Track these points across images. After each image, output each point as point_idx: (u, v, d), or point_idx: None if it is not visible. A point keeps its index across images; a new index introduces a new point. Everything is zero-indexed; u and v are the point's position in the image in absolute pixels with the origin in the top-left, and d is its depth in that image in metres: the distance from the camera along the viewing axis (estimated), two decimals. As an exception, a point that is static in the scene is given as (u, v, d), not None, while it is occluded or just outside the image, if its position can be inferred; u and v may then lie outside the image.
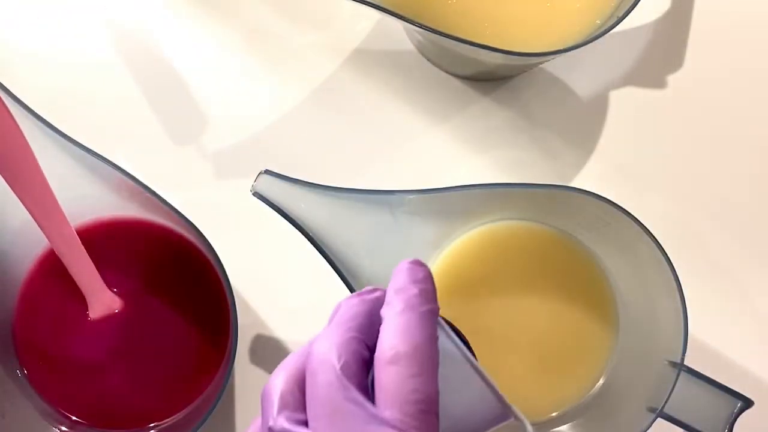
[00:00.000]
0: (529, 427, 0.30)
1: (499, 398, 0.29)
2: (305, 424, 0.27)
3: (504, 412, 0.29)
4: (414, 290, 0.28)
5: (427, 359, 0.27)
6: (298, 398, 0.27)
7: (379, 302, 0.29)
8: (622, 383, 0.44)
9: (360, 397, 0.26)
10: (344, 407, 0.26)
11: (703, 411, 0.38)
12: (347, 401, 0.26)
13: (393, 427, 0.26)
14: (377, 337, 0.28)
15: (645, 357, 0.42)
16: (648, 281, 0.42)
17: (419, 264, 0.29)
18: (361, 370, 0.27)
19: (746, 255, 0.51)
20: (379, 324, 0.28)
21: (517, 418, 0.29)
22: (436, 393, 0.27)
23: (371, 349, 0.28)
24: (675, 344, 0.40)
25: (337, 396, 0.26)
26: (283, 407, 0.27)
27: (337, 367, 0.26)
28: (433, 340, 0.27)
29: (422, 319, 0.28)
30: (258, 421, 0.28)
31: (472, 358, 0.29)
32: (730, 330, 0.50)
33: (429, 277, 0.29)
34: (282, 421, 0.26)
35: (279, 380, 0.28)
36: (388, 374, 0.26)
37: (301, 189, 0.39)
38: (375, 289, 0.30)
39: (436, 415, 0.27)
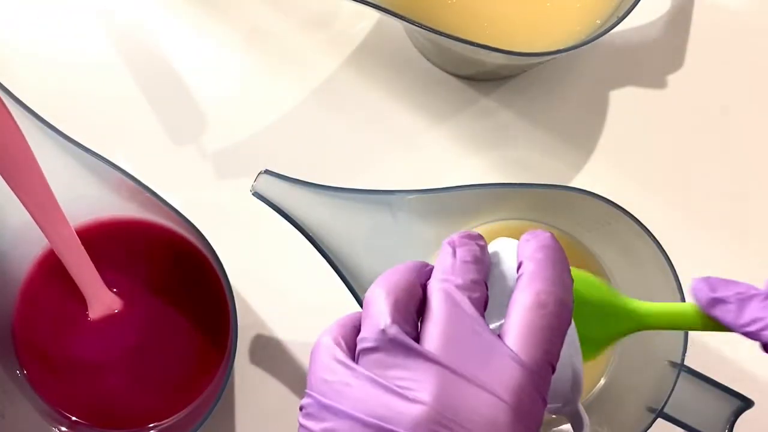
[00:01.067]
0: (588, 428, 0.30)
1: (577, 386, 0.29)
2: (414, 338, 0.27)
3: (571, 398, 0.29)
4: (560, 255, 0.29)
5: (566, 317, 0.28)
6: (411, 313, 0.28)
7: (487, 252, 0.31)
8: (623, 383, 0.44)
9: (490, 332, 0.27)
10: (472, 337, 0.27)
11: (703, 411, 0.38)
12: (477, 332, 0.27)
13: (519, 363, 0.26)
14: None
15: (645, 357, 0.42)
16: (648, 281, 0.42)
17: (556, 238, 0.31)
18: (483, 311, 0.28)
19: (746, 254, 0.51)
20: (487, 271, 0.30)
21: (579, 412, 0.30)
22: (560, 352, 0.28)
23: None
24: (675, 344, 0.40)
25: (465, 324, 0.27)
26: (396, 316, 0.27)
27: (470, 299, 0.28)
28: (572, 304, 0.28)
29: (567, 283, 0.29)
30: (350, 320, 0.29)
31: (577, 342, 0.29)
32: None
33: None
34: (396, 330, 0.27)
35: (387, 289, 0.28)
36: (527, 317, 0.27)
37: (301, 189, 0.39)
38: (480, 235, 0.31)
39: (554, 371, 0.27)
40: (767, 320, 0.29)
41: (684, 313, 0.31)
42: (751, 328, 0.29)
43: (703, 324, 0.31)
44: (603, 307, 0.32)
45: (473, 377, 0.26)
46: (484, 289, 0.29)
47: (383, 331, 0.27)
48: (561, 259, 0.29)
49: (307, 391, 0.28)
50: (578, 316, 0.31)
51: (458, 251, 0.30)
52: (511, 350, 0.27)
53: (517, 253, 0.30)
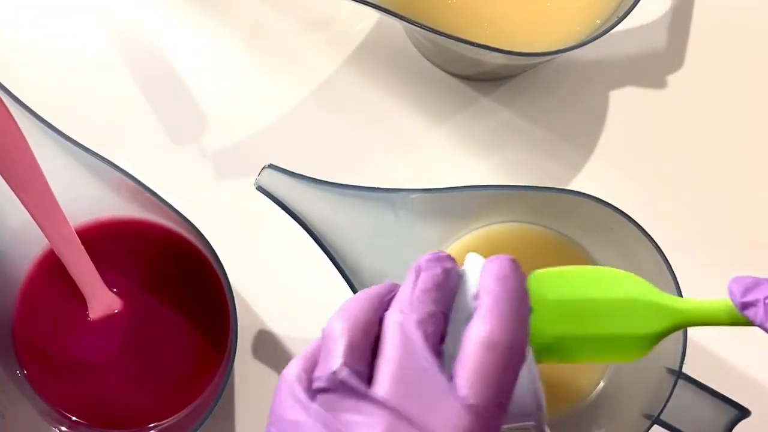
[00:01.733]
0: None
1: (539, 405, 0.29)
2: (366, 377, 0.27)
3: (535, 417, 0.29)
4: (517, 284, 0.29)
5: (519, 355, 0.28)
6: (365, 350, 0.28)
7: (455, 273, 0.30)
8: (620, 389, 0.44)
9: (440, 372, 0.27)
10: (423, 378, 0.27)
11: (699, 419, 0.38)
12: (428, 372, 0.27)
13: (467, 406, 0.26)
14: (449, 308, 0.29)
15: (643, 363, 0.42)
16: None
17: (518, 264, 0.30)
18: (440, 344, 0.28)
19: (747, 258, 0.51)
20: (452, 295, 0.29)
21: (544, 430, 0.29)
22: (512, 390, 0.28)
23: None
24: (673, 351, 0.39)
25: (416, 363, 0.27)
26: (347, 358, 0.27)
27: (422, 338, 0.27)
28: (527, 339, 0.28)
29: (523, 317, 0.28)
30: (314, 352, 0.29)
31: (532, 357, 0.29)
32: (729, 338, 0.49)
33: (525, 280, 0.30)
34: (346, 374, 0.27)
35: (344, 325, 0.28)
36: (478, 355, 0.27)
37: (305, 184, 0.39)
38: (449, 257, 0.30)
39: (505, 411, 0.27)
40: None
41: (721, 310, 0.31)
42: None
43: (740, 322, 0.31)
44: (635, 304, 0.32)
45: (422, 422, 0.26)
46: (441, 320, 0.29)
47: (335, 373, 0.27)
48: (518, 291, 0.29)
49: (268, 425, 0.28)
50: (608, 315, 0.31)
51: (420, 278, 0.29)
52: (460, 392, 0.27)
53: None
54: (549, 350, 0.31)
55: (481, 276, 0.30)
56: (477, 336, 0.27)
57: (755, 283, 0.30)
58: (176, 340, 0.46)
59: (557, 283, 0.32)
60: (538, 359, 0.30)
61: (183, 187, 0.50)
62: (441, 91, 0.53)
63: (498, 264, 0.30)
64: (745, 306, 0.30)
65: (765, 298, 0.30)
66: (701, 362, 0.49)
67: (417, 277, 0.29)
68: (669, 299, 0.32)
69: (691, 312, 0.32)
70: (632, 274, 0.33)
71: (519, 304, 0.29)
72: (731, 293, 0.30)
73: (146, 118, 0.52)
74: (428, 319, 0.28)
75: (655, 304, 0.32)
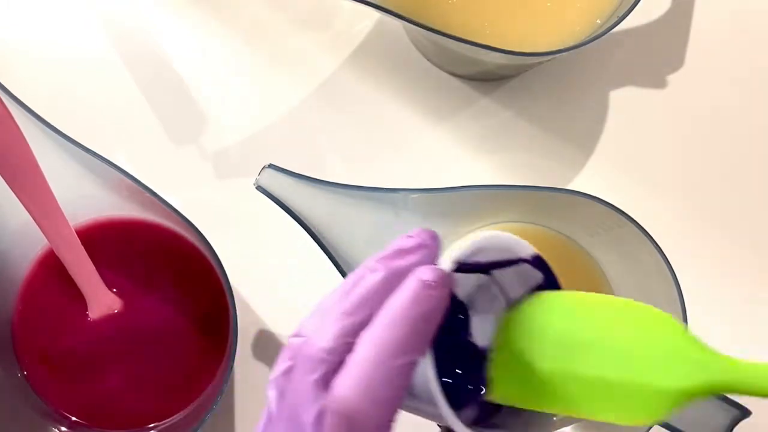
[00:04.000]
0: None
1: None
2: None
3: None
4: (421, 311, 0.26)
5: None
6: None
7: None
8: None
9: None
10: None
11: (700, 419, 0.38)
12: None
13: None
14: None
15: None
16: (649, 288, 0.42)
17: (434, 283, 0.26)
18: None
19: (748, 258, 0.51)
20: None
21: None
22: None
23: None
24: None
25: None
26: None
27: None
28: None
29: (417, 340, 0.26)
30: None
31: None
32: (730, 338, 0.49)
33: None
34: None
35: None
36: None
37: (305, 184, 0.39)
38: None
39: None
40: None
41: None
42: None
43: None
44: (664, 346, 0.26)
45: None
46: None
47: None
48: (416, 320, 0.26)
49: None
50: (623, 355, 0.25)
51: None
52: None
53: None
54: (532, 390, 0.26)
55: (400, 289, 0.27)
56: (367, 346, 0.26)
57: None
58: (176, 340, 0.46)
59: (570, 310, 0.27)
60: (508, 399, 0.26)
61: (183, 187, 0.50)
62: (441, 91, 0.53)
63: (407, 289, 0.27)
64: None
65: None
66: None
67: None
68: (710, 354, 0.25)
69: (744, 371, 0.25)
70: (671, 316, 0.27)
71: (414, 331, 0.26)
72: None
73: (146, 118, 0.52)
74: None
75: (695, 352, 0.26)
